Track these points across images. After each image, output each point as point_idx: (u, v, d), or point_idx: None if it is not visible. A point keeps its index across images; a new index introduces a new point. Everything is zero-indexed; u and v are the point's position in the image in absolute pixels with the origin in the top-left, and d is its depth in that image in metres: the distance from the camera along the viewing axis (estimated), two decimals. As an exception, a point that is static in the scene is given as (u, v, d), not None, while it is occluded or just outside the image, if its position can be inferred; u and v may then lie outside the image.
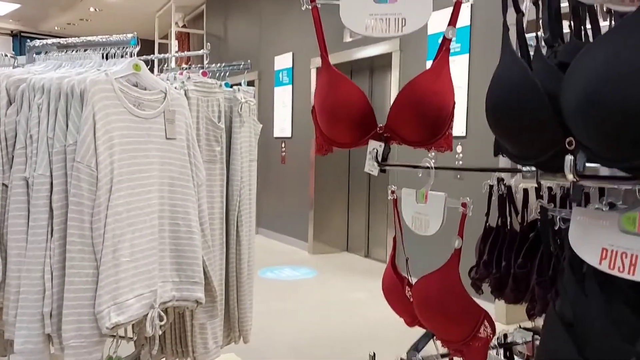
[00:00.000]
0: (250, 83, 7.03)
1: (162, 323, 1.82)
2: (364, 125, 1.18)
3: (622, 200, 0.99)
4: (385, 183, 5.14)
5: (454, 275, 1.17)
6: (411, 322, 1.36)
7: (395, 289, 1.37)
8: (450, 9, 1.27)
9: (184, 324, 2.22)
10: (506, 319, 3.60)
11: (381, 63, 5.42)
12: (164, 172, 1.83)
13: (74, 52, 2.01)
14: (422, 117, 1.15)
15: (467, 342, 1.16)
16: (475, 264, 1.55)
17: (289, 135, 6.55)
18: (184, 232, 1.87)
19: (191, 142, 1.94)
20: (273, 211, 6.95)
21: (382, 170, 1.18)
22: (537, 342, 1.35)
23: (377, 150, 1.16)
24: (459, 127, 4.17)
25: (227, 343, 2.54)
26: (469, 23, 4.10)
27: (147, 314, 1.77)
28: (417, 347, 1.34)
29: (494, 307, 3.52)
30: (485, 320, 1.17)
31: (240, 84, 2.44)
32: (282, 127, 6.68)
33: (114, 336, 2.12)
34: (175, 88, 2.07)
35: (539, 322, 1.45)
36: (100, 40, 1.95)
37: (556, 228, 0.93)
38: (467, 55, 4.11)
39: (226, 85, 2.42)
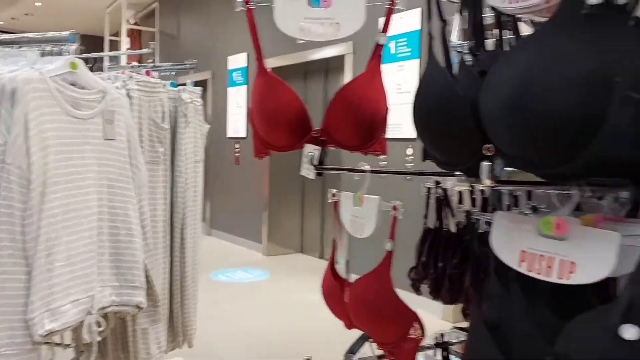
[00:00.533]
0: (202, 83, 6.94)
1: (101, 329, 1.77)
2: (301, 129, 1.18)
3: (546, 204, 1.03)
4: (340, 184, 5.16)
5: (385, 277, 1.19)
6: (350, 324, 1.37)
7: (334, 292, 1.37)
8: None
9: (126, 329, 2.17)
10: (453, 318, 3.68)
11: (335, 65, 5.45)
12: (102, 173, 1.78)
13: (7, 49, 1.93)
14: (357, 122, 1.16)
15: (399, 343, 1.18)
16: (414, 265, 1.57)
17: (244, 135, 6.50)
18: (124, 235, 1.83)
19: (132, 143, 1.90)
20: (227, 212, 6.88)
21: (319, 174, 1.19)
22: (471, 342, 1.39)
23: (313, 154, 1.17)
24: (409, 130, 4.24)
25: (171, 348, 2.50)
26: (419, 27, 4.17)
27: (84, 320, 1.72)
28: (352, 349, 1.35)
29: (443, 307, 3.59)
30: (415, 322, 1.19)
31: (184, 84, 2.41)
32: (236, 127, 6.62)
33: (49, 343, 2.05)
34: (117, 87, 2.02)
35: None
36: (36, 36, 1.88)
37: (481, 231, 0.95)
38: (418, 60, 4.18)
39: (172, 85, 2.38)
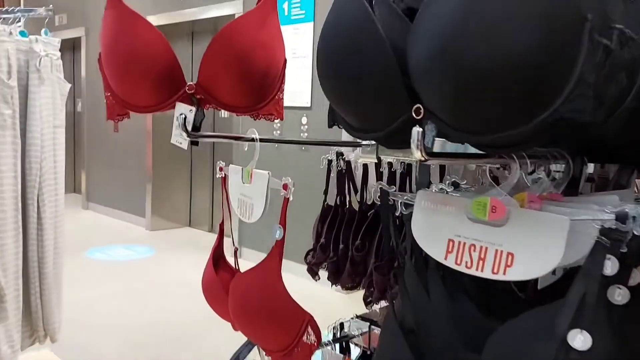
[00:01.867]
0: (76, 40, 6.21)
1: None
2: (169, 83, 0.91)
3: (467, 179, 0.88)
4: (231, 152, 4.86)
5: (274, 272, 0.97)
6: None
7: (216, 288, 1.14)
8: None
9: (-34, 330, 1.79)
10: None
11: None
12: None
13: None
14: (244, 75, 0.91)
15: (291, 350, 0.98)
16: (312, 248, 1.39)
17: (123, 100, 5.92)
18: (-49, 217, 1.45)
19: (-39, 101, 1.51)
20: (105, 184, 6.32)
21: (194, 143, 0.94)
22: (376, 333, 1.24)
23: (185, 116, 0.91)
24: (304, 98, 4.05)
25: (30, 344, 2.14)
26: (314, -12, 3.95)
27: None
28: (237, 356, 1.14)
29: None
30: (309, 326, 1.00)
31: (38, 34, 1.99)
32: (115, 91, 6.02)
33: None
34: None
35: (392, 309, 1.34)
36: None
37: (397, 214, 0.77)
38: (312, 23, 3.97)
39: (21, 34, 1.96)
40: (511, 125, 0.55)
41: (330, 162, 1.34)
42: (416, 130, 0.57)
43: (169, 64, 0.90)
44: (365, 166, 1.30)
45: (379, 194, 0.76)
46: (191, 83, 0.91)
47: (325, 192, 1.38)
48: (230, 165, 1.17)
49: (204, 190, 5.79)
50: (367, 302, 1.24)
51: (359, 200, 1.32)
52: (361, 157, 1.26)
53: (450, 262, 0.70)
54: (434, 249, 0.71)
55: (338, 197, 1.35)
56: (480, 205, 0.69)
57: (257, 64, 0.92)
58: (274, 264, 0.97)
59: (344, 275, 1.32)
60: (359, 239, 1.28)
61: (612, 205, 0.68)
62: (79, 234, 5.18)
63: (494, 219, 0.68)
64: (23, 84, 1.94)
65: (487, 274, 0.68)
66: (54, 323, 2.13)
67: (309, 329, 0.98)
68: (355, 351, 1.33)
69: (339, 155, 1.32)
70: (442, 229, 0.71)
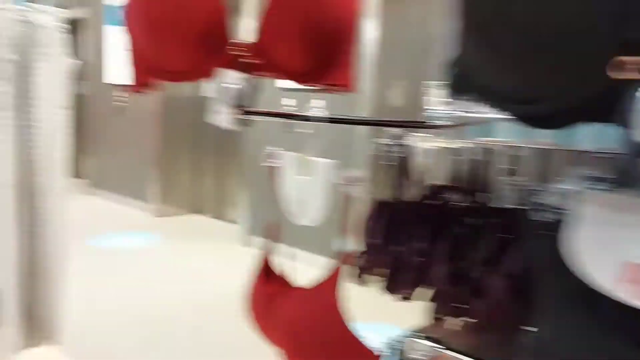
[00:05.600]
0: (81, 21, 5.95)
1: None
2: (212, 42, 0.68)
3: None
4: (246, 139, 4.63)
5: (331, 299, 0.74)
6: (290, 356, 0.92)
7: (264, 305, 0.91)
8: None
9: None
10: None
11: None
12: None
13: None
14: (313, 29, 0.68)
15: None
16: (363, 250, 1.18)
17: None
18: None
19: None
20: (110, 169, 6.11)
21: (244, 122, 0.71)
22: (447, 357, 1.03)
23: (230, 88, 0.68)
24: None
25: (32, 344, 1.95)
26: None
27: None
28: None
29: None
30: None
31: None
32: (118, 72, 5.78)
33: None
34: None
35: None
36: None
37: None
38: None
39: (22, 3, 1.75)
40: None
41: (386, 147, 1.12)
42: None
43: (215, 18, 0.67)
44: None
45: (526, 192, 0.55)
46: (246, 42, 0.68)
47: (378, 184, 1.17)
48: (283, 152, 0.95)
49: (211, 175, 5.60)
50: (436, 318, 1.04)
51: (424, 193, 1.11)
52: (428, 141, 1.05)
53: (625, 295, 0.49)
54: (602, 275, 0.50)
55: (395, 189, 1.13)
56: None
57: (325, 17, 0.69)
58: (330, 290, 0.74)
59: (402, 284, 1.11)
60: (423, 239, 1.08)
61: None
62: (82, 222, 4.99)
63: (700, 233, 0.47)
64: (22, 59, 1.73)
65: (688, 313, 0.47)
66: (57, 323, 1.94)
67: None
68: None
69: (397, 139, 1.11)
70: (617, 247, 0.50)
